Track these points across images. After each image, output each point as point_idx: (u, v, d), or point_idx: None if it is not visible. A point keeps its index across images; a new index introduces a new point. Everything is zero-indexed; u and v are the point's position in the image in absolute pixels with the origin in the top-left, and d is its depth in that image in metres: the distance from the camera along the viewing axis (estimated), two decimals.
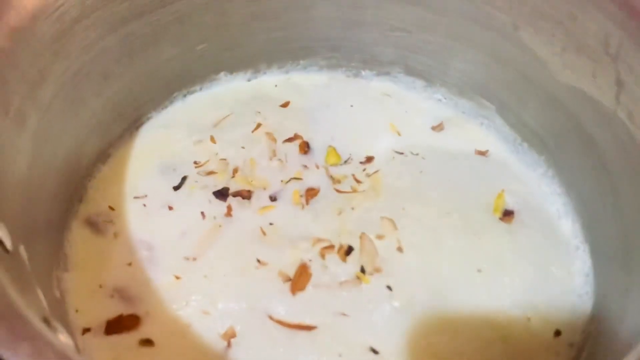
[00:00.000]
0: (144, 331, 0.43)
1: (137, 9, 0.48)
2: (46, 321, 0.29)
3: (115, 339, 0.42)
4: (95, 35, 0.46)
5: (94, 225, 0.48)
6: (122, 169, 0.52)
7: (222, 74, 0.59)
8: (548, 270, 0.48)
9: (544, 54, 0.51)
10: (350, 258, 0.47)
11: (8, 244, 0.33)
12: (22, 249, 0.36)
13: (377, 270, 0.47)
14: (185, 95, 0.58)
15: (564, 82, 0.50)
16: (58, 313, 0.41)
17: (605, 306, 0.45)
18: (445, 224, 0.50)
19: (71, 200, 0.49)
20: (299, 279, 0.45)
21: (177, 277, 0.45)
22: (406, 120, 0.59)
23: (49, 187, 0.44)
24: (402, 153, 0.55)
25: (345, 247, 0.48)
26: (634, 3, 0.42)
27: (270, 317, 0.44)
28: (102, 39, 0.47)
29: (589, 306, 0.46)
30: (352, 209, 0.51)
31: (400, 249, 0.48)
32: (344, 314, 0.44)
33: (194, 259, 0.47)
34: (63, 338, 0.30)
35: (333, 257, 0.47)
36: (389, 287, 0.46)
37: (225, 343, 0.43)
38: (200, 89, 0.59)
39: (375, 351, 0.43)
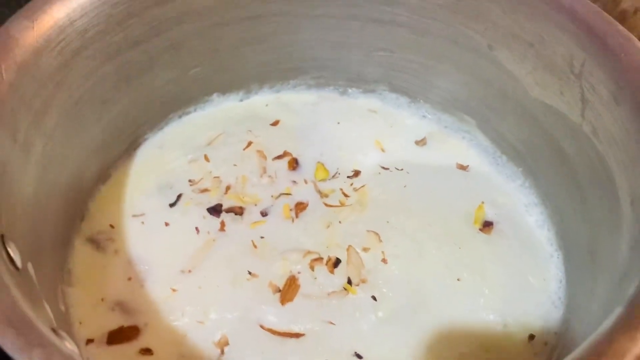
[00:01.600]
0: (143, 341, 0.46)
1: (132, 38, 0.52)
2: (54, 331, 0.32)
3: (116, 348, 0.45)
4: (94, 65, 0.49)
5: (96, 243, 0.51)
6: (121, 188, 0.55)
7: (214, 95, 0.62)
8: (525, 279, 0.51)
9: (518, 73, 0.54)
10: (337, 270, 0.50)
11: (18, 261, 0.36)
12: (30, 266, 0.39)
13: (363, 281, 0.50)
14: (180, 117, 0.61)
15: (537, 99, 0.53)
16: (63, 325, 0.44)
17: (574, 308, 0.47)
18: (428, 235, 0.53)
19: (74, 220, 0.52)
20: (288, 290, 0.48)
21: (174, 290, 0.48)
22: (391, 135, 0.62)
23: (53, 207, 0.47)
24: (387, 168, 0.58)
25: (333, 260, 0.51)
26: (593, 27, 0.46)
27: (261, 326, 0.47)
28: (100, 68, 0.50)
29: (562, 310, 0.49)
30: (340, 222, 0.53)
31: (384, 261, 0.51)
32: (331, 323, 0.47)
33: (189, 272, 0.49)
34: (69, 345, 0.32)
35: (322, 269, 0.50)
36: (374, 298, 0.49)
37: (218, 351, 0.45)
38: (195, 110, 0.62)
39: (359, 356, 0.46)
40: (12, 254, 0.35)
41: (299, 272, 0.50)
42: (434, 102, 0.63)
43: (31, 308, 0.31)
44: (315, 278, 0.49)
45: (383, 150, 0.60)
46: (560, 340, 0.47)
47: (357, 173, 0.58)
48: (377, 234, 0.52)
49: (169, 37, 0.54)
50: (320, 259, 0.50)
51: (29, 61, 0.42)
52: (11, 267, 0.34)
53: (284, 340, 0.46)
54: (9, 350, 0.27)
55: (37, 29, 0.43)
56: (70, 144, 0.49)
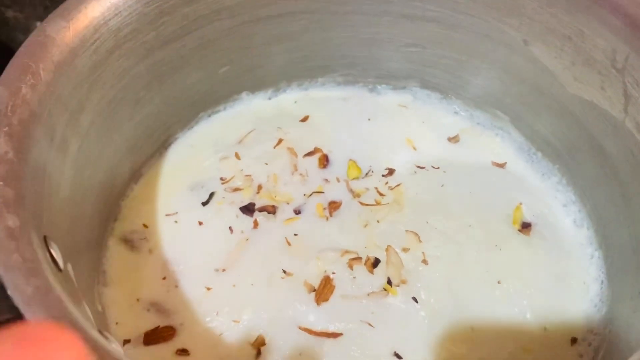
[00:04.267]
0: (179, 341, 0.46)
1: (164, 37, 0.51)
2: (100, 332, 0.32)
3: (153, 349, 0.45)
4: (127, 64, 0.49)
5: (129, 243, 0.51)
6: (153, 187, 0.55)
7: (244, 93, 0.62)
8: (565, 281, 0.50)
9: (554, 68, 0.52)
10: (377, 270, 0.49)
11: (60, 262, 0.36)
12: (69, 267, 0.39)
13: (403, 282, 0.49)
14: (210, 115, 0.61)
15: (575, 94, 0.52)
16: (102, 326, 0.44)
17: (618, 310, 0.46)
18: (468, 236, 0.52)
19: (107, 220, 0.52)
20: (323, 291, 0.48)
21: (208, 289, 0.48)
22: (423, 132, 0.61)
23: (88, 207, 0.47)
24: (423, 167, 0.57)
25: (372, 259, 0.50)
26: (636, 18, 0.44)
27: (298, 326, 0.46)
28: (133, 67, 0.50)
29: (603, 312, 0.48)
30: (378, 221, 0.53)
31: (425, 262, 0.50)
32: (370, 323, 0.47)
33: (224, 270, 0.49)
34: (116, 347, 0.32)
35: (361, 269, 0.49)
36: (415, 299, 0.48)
37: (255, 351, 0.45)
38: (224, 108, 0.62)
39: (399, 356, 0.45)
40: (54, 255, 0.35)
41: (333, 273, 0.49)
42: (466, 99, 0.62)
43: (76, 309, 0.30)
44: (354, 278, 0.49)
45: (414, 149, 0.59)
46: (604, 342, 0.46)
47: (391, 172, 0.57)
48: (416, 234, 0.51)
49: (200, 36, 0.54)
50: (359, 258, 0.50)
51: (65, 61, 0.42)
52: (54, 269, 0.34)
53: (321, 340, 0.46)
54: None
55: (73, 28, 0.43)
56: (104, 143, 0.49)
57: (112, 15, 0.46)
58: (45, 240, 0.35)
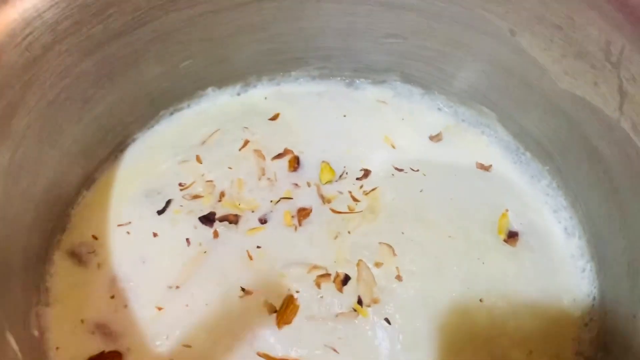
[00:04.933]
0: None
1: (113, 30, 0.47)
2: None
3: None
4: (70, 61, 0.45)
5: (77, 257, 0.47)
6: (106, 194, 0.51)
7: (209, 89, 0.58)
8: (553, 298, 0.46)
9: (544, 61, 0.48)
10: (346, 288, 0.45)
11: None
12: None
13: (375, 301, 0.45)
14: (172, 113, 0.57)
15: (566, 90, 0.48)
16: (35, 353, 0.39)
17: (611, 332, 0.42)
18: (448, 248, 0.48)
19: (53, 231, 0.48)
20: (285, 312, 0.44)
21: (159, 308, 0.44)
22: (403, 129, 0.57)
23: (27, 220, 0.43)
24: (401, 170, 0.53)
25: (342, 276, 0.46)
26: (634, 6, 0.39)
27: (256, 351, 0.42)
28: (78, 64, 0.46)
29: (595, 333, 0.44)
30: (349, 232, 0.49)
31: (399, 278, 0.46)
32: (335, 349, 0.43)
33: (177, 288, 0.45)
34: None
35: (329, 287, 0.46)
36: (387, 320, 0.44)
37: None
38: (188, 106, 0.57)
39: None
40: None
41: (297, 292, 0.45)
42: (450, 94, 0.58)
43: None
44: (321, 297, 0.45)
45: (393, 147, 0.55)
46: None
47: (367, 173, 0.52)
48: (390, 246, 0.47)
49: (155, 28, 0.50)
50: (328, 274, 0.46)
51: None
52: None
53: None
54: None
55: None
56: (46, 148, 0.45)
57: (47, 6, 0.42)
58: None
